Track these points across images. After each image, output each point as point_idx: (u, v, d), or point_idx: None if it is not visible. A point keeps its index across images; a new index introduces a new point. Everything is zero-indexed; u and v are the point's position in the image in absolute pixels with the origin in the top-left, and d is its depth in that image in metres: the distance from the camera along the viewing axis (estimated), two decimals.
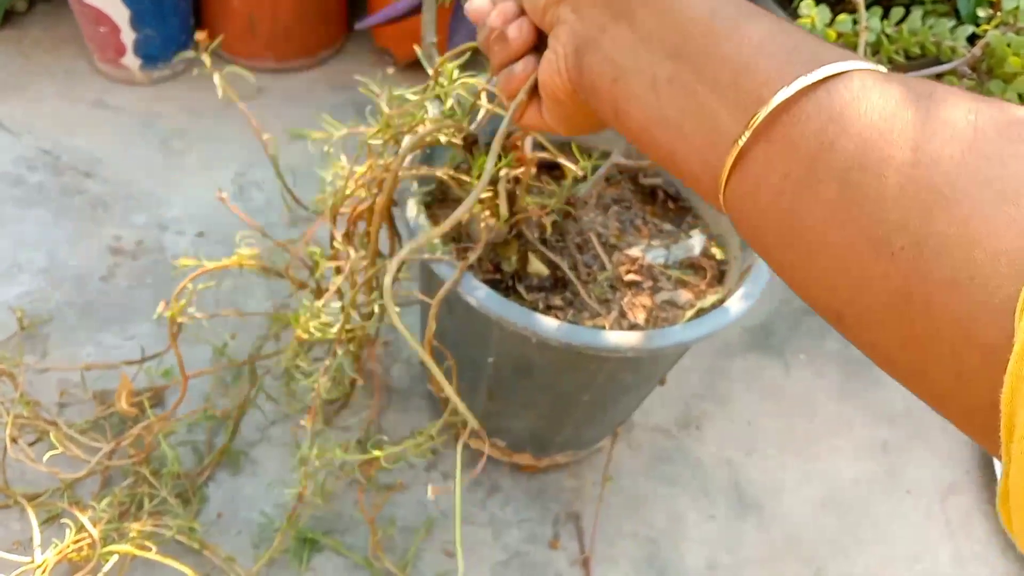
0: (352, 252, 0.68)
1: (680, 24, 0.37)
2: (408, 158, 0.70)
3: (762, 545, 1.03)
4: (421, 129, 0.67)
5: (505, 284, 0.82)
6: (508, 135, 0.92)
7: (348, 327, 0.77)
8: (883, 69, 0.32)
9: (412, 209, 0.74)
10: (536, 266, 0.82)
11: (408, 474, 1.00)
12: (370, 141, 0.73)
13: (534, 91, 0.47)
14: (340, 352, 0.78)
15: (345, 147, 1.29)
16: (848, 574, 1.03)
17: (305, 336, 0.73)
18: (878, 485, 1.12)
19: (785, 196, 0.31)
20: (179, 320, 0.81)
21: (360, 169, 0.73)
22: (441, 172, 0.73)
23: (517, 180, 0.74)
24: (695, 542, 1.02)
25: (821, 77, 0.31)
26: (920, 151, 0.28)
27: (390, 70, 1.42)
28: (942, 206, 0.27)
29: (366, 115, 1.37)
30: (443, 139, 0.67)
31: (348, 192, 0.74)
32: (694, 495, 1.05)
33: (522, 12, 0.47)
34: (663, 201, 0.93)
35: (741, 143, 0.32)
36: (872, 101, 0.30)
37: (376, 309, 0.78)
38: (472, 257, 0.66)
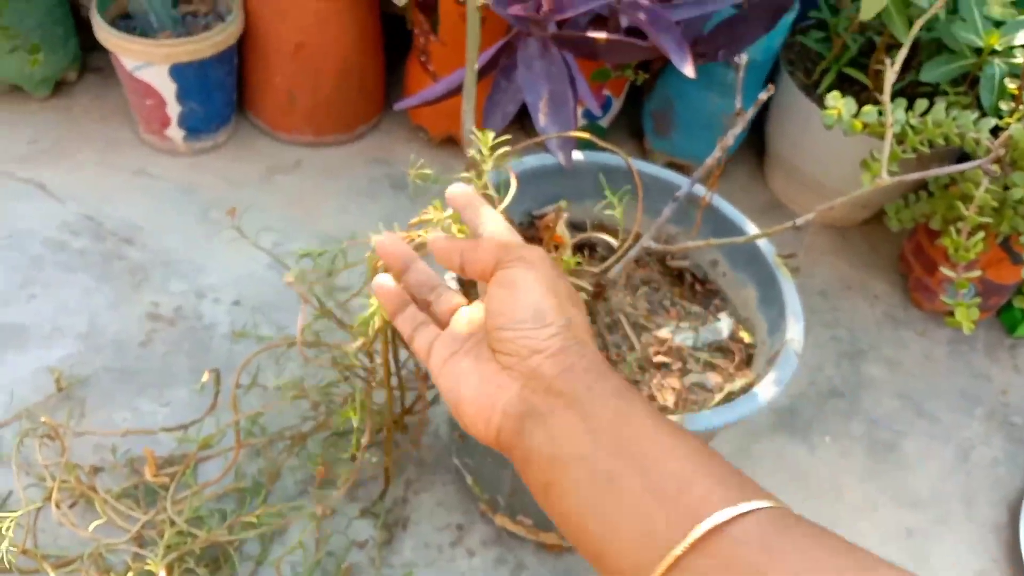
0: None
1: (632, 429, 0.41)
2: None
3: None
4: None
5: None
6: (541, 215, 0.95)
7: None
8: (792, 512, 0.38)
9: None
10: None
11: (432, 551, 1.00)
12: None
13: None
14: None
15: (384, 217, 1.32)
16: None
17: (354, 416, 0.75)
18: None
19: None
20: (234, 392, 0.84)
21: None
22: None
23: None
24: None
25: (755, 508, 0.36)
26: None
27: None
28: None
29: (399, 188, 1.40)
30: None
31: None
32: None
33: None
34: (691, 284, 0.95)
35: (677, 551, 0.36)
36: (797, 540, 0.35)
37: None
38: None
